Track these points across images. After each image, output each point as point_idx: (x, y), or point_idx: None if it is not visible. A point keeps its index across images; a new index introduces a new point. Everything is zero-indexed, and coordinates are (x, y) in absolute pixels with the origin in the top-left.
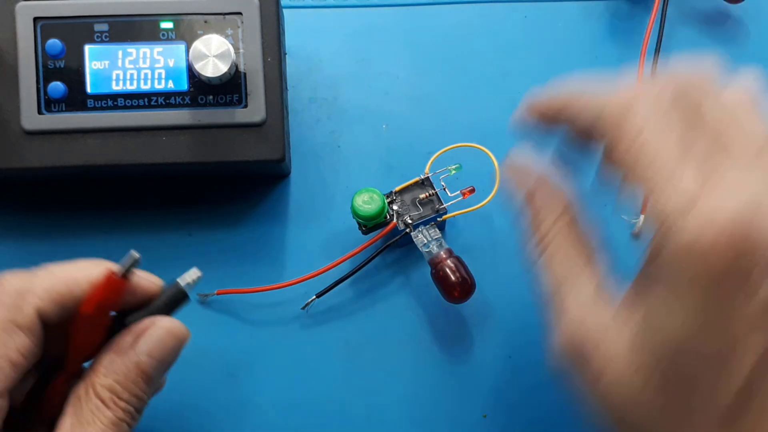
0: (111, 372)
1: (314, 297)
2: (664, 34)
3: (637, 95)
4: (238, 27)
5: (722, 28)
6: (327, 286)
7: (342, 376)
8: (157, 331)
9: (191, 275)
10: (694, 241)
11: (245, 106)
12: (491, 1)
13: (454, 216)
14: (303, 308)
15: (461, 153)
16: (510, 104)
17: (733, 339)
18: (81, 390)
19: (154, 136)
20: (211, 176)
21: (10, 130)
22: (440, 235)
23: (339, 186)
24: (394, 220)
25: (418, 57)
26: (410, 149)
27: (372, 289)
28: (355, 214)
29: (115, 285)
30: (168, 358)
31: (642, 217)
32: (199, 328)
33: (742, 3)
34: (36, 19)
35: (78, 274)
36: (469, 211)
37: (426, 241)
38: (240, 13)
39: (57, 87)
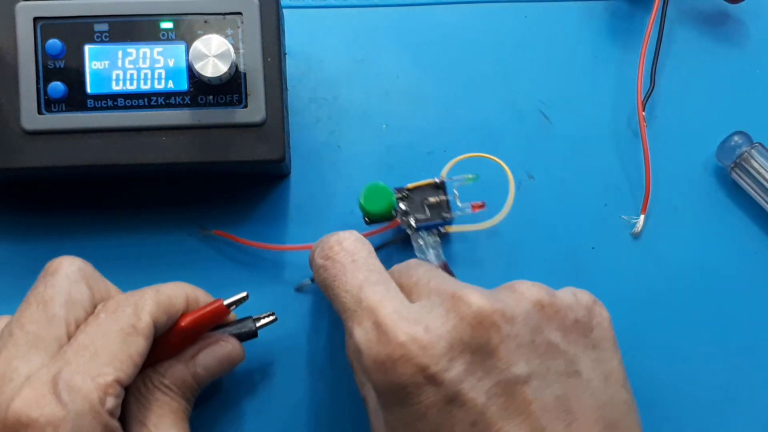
0: (169, 375)
1: (309, 280)
2: (664, 34)
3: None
4: (238, 27)
5: (722, 28)
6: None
7: (331, 367)
8: (219, 350)
9: (266, 318)
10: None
11: (245, 106)
12: (491, 1)
13: (457, 230)
14: (297, 289)
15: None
16: (510, 104)
17: None
18: (139, 383)
19: (154, 136)
20: (211, 176)
21: (10, 130)
22: (440, 245)
23: (339, 186)
24: (398, 218)
25: (418, 57)
26: (410, 149)
27: None
28: (362, 207)
29: (220, 313)
30: (219, 375)
31: (642, 217)
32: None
33: (742, 3)
34: (36, 19)
35: (177, 291)
36: (474, 228)
37: (424, 248)
38: (240, 13)
39: (57, 87)
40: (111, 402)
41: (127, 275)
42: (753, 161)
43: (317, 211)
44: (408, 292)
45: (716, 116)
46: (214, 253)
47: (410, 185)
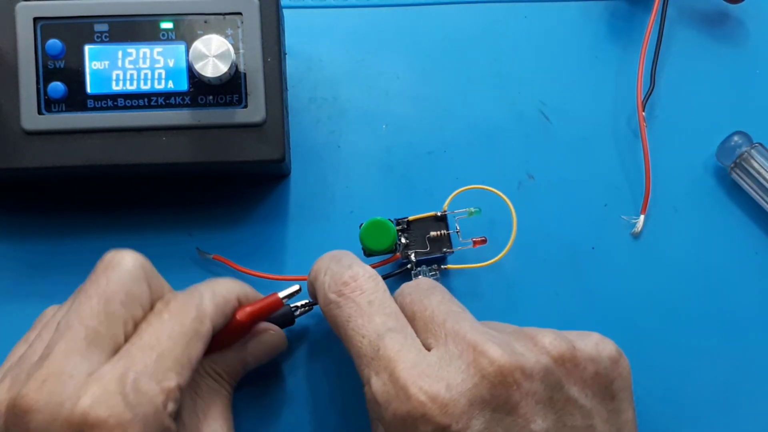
0: (221, 362)
1: (309, 304)
2: (664, 34)
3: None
4: (238, 27)
5: (722, 28)
6: None
7: (335, 390)
8: (268, 339)
9: (299, 302)
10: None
11: (245, 106)
12: (491, 1)
13: (458, 268)
14: (296, 315)
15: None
16: (510, 104)
17: None
18: (195, 375)
19: (154, 136)
20: (211, 176)
21: (10, 130)
22: (439, 280)
23: (339, 186)
24: (399, 252)
25: (418, 57)
26: (410, 149)
27: None
28: (364, 244)
29: (276, 306)
30: (265, 362)
31: (642, 217)
32: None
33: (742, 3)
34: (36, 19)
35: (231, 292)
36: (474, 267)
37: None
38: (240, 13)
39: (57, 87)
40: (172, 406)
41: None
42: (753, 161)
43: (317, 211)
44: (421, 327)
45: (716, 116)
46: (214, 254)
47: (411, 218)
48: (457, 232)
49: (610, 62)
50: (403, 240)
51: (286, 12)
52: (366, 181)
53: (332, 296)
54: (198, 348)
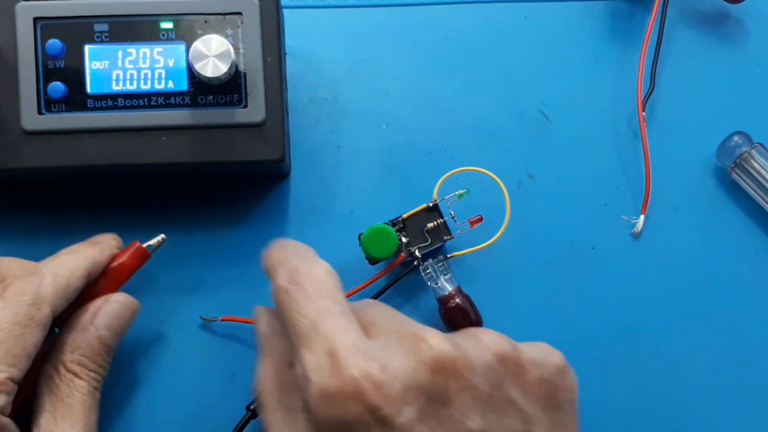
0: (77, 348)
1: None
2: (664, 34)
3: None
4: (238, 27)
5: (722, 28)
6: None
7: None
8: (112, 305)
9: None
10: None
11: (245, 106)
12: (491, 1)
13: (462, 254)
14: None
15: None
16: (510, 104)
17: None
18: (51, 370)
19: (154, 136)
20: (211, 176)
21: (10, 130)
22: (449, 269)
23: (339, 186)
24: (402, 252)
25: (418, 57)
26: (410, 149)
27: None
28: (368, 253)
29: (143, 257)
30: (124, 329)
31: (642, 217)
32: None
33: (742, 3)
34: (36, 19)
35: (77, 268)
36: (479, 248)
37: (435, 276)
38: (240, 13)
39: (57, 87)
40: (3, 400)
41: None
42: (753, 161)
43: (317, 211)
44: (365, 326)
45: (716, 116)
46: (214, 254)
47: (405, 215)
48: (452, 217)
49: (610, 62)
50: (403, 239)
51: (286, 12)
52: (366, 181)
53: (284, 284)
54: (35, 336)
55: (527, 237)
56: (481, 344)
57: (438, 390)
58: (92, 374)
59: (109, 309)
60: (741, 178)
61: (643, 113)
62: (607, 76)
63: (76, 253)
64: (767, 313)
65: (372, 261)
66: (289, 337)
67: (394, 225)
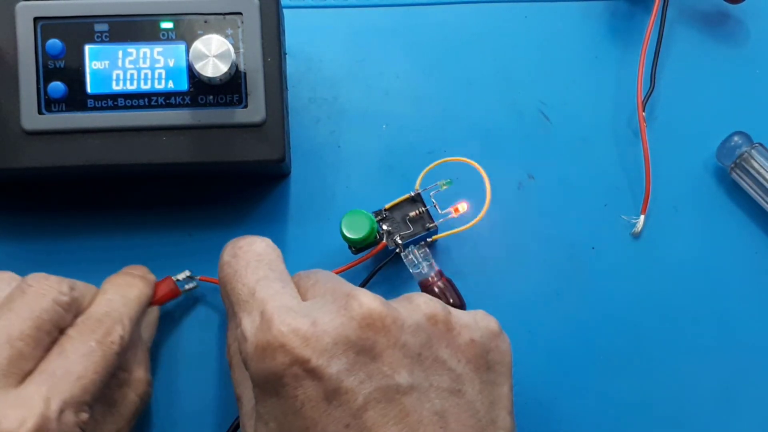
0: (140, 365)
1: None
2: (664, 34)
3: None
4: (238, 27)
5: (722, 28)
6: None
7: None
8: (150, 316)
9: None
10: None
11: (245, 106)
12: (491, 1)
13: (444, 236)
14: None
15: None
16: (510, 104)
17: None
18: (114, 388)
19: (154, 136)
20: (211, 176)
21: (10, 130)
22: (430, 256)
23: (339, 186)
24: (384, 240)
25: (418, 57)
26: (410, 149)
27: None
28: (344, 237)
29: (175, 294)
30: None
31: (642, 217)
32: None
33: (742, 3)
34: (36, 19)
35: (140, 310)
36: (460, 230)
37: (416, 262)
38: (240, 13)
39: (57, 87)
40: (84, 416)
41: None
42: (753, 161)
43: (317, 211)
44: (304, 291)
45: (716, 116)
46: (214, 254)
47: (387, 205)
48: (435, 206)
49: (610, 62)
50: (385, 227)
51: (286, 12)
52: (366, 181)
53: (226, 258)
54: (108, 380)
55: (527, 237)
56: (413, 305)
57: (367, 345)
58: (150, 390)
59: (149, 320)
60: (741, 178)
61: (643, 113)
62: (607, 76)
63: (135, 294)
64: (767, 313)
65: (354, 248)
66: (230, 306)
67: (377, 215)
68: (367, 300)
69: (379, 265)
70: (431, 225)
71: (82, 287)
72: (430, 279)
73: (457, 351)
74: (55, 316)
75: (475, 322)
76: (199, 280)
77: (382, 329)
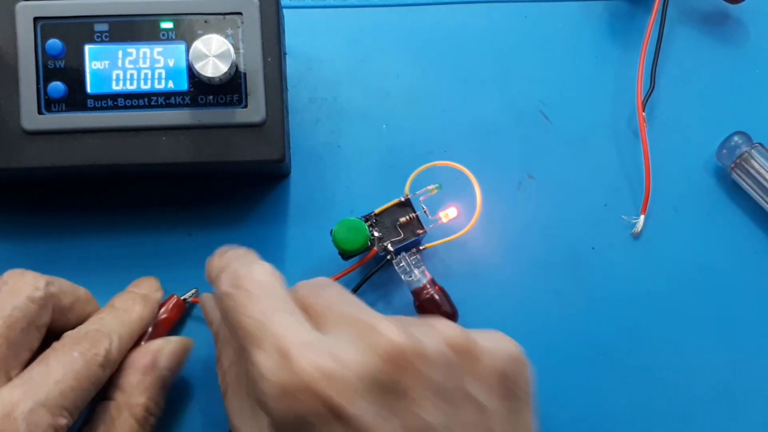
0: (143, 390)
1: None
2: (664, 34)
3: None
4: (238, 27)
5: (722, 28)
6: None
7: None
8: (172, 346)
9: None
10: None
11: (245, 106)
12: (491, 1)
13: (435, 245)
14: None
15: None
16: (510, 104)
17: None
18: (113, 410)
19: (154, 136)
20: (211, 176)
21: (10, 130)
22: (422, 263)
23: (339, 186)
24: (375, 246)
25: (418, 57)
26: (410, 149)
27: None
28: (338, 247)
29: (181, 309)
30: (180, 369)
31: (642, 217)
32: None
33: (742, 3)
34: (36, 19)
35: (134, 330)
36: (452, 239)
37: (408, 269)
38: (240, 13)
39: (57, 87)
40: (62, 421)
41: (127, 275)
42: (753, 161)
43: (317, 211)
44: (316, 316)
45: (716, 116)
46: None
47: (377, 210)
48: (425, 211)
49: (610, 62)
50: (375, 233)
51: (286, 12)
52: (366, 181)
53: (227, 288)
54: (93, 392)
55: (527, 237)
56: (434, 333)
57: (392, 382)
58: (152, 419)
59: (170, 349)
60: (741, 178)
61: (643, 113)
62: (607, 76)
63: (133, 315)
64: (767, 312)
65: (344, 256)
66: (237, 340)
67: (366, 220)
68: (390, 332)
69: (370, 272)
70: (421, 231)
71: (63, 284)
72: (422, 287)
73: (483, 383)
74: (29, 313)
75: (497, 348)
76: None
77: (408, 365)
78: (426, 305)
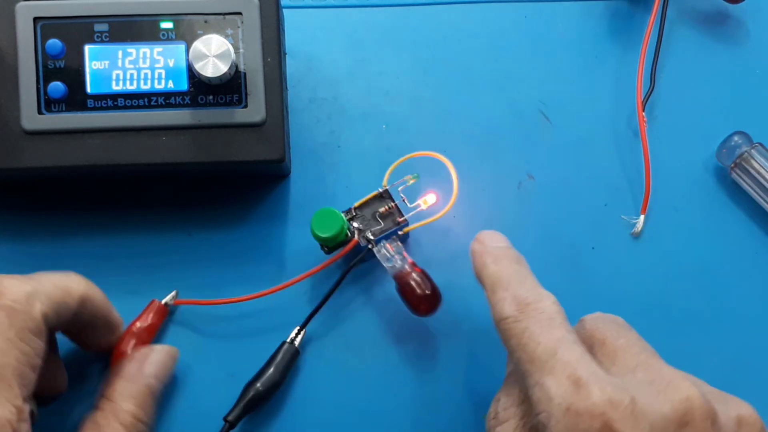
0: (129, 398)
1: (299, 329)
2: (664, 34)
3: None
4: (238, 27)
5: (722, 28)
6: (307, 315)
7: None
8: (157, 354)
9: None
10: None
11: (245, 106)
12: (491, 1)
13: (414, 228)
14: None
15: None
16: (510, 104)
17: None
18: (101, 418)
19: (154, 136)
20: (211, 176)
21: (10, 130)
22: (403, 249)
23: (339, 186)
24: (355, 237)
25: (418, 57)
26: (410, 149)
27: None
28: (315, 236)
29: (163, 313)
30: (167, 378)
31: (642, 217)
32: (198, 332)
33: (742, 3)
34: (36, 19)
35: (71, 285)
36: (430, 221)
37: (389, 256)
38: (240, 13)
39: (57, 87)
40: (24, 427)
41: (127, 275)
42: (753, 161)
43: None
44: (607, 353)
45: (716, 116)
46: (214, 254)
47: (356, 204)
48: (404, 200)
49: (610, 62)
50: (356, 225)
51: (286, 12)
52: (366, 182)
53: (511, 311)
54: (38, 346)
55: (527, 237)
56: (728, 406)
57: None
58: (141, 426)
59: (156, 358)
60: (741, 178)
61: (643, 113)
62: (607, 76)
63: (68, 274)
64: (767, 312)
65: (325, 247)
66: (517, 362)
67: (347, 214)
68: (692, 393)
69: (351, 263)
70: (401, 219)
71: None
72: (403, 271)
73: None
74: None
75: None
76: (174, 304)
77: (699, 429)
78: (407, 288)
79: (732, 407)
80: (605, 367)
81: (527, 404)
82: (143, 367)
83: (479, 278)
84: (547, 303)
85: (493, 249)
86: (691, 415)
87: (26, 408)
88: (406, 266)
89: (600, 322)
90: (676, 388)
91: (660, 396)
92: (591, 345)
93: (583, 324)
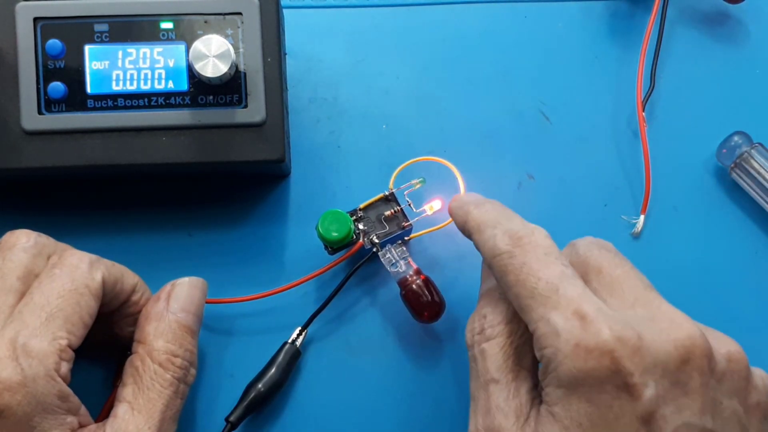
0: (159, 336)
1: (301, 330)
2: (664, 34)
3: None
4: (238, 27)
5: (722, 28)
6: (309, 316)
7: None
8: (179, 288)
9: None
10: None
11: (245, 106)
12: (491, 1)
13: (420, 235)
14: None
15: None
16: (510, 104)
17: None
18: (136, 361)
19: (154, 136)
20: (211, 176)
21: (10, 130)
22: (408, 254)
23: (339, 186)
24: (361, 239)
25: (418, 57)
26: (410, 149)
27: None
28: (322, 238)
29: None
30: (199, 309)
31: (642, 217)
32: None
33: (742, 3)
34: (36, 19)
35: (128, 272)
36: (436, 229)
37: (394, 261)
38: (240, 13)
39: (57, 87)
40: (65, 367)
41: None
42: (753, 161)
43: (317, 211)
44: (604, 284)
45: (716, 116)
46: (214, 254)
47: (362, 205)
48: (409, 204)
49: (610, 62)
50: (361, 227)
51: (286, 12)
52: (366, 181)
53: (505, 246)
54: (90, 306)
55: None
56: (720, 342)
57: (682, 378)
58: (178, 360)
59: (179, 292)
60: (741, 178)
61: (643, 113)
62: (607, 76)
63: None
64: (767, 312)
65: (330, 248)
66: (514, 297)
67: (353, 215)
68: (694, 332)
69: (356, 265)
70: (406, 224)
71: (48, 240)
72: (408, 277)
73: (748, 409)
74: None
75: (764, 385)
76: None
77: (698, 366)
78: (411, 295)
79: (722, 344)
80: (602, 297)
81: (515, 323)
82: (168, 304)
83: (464, 228)
84: (539, 236)
85: (473, 198)
86: (692, 353)
87: (71, 351)
88: (411, 272)
89: (594, 248)
90: (679, 327)
91: (663, 334)
92: (585, 272)
93: (576, 249)
